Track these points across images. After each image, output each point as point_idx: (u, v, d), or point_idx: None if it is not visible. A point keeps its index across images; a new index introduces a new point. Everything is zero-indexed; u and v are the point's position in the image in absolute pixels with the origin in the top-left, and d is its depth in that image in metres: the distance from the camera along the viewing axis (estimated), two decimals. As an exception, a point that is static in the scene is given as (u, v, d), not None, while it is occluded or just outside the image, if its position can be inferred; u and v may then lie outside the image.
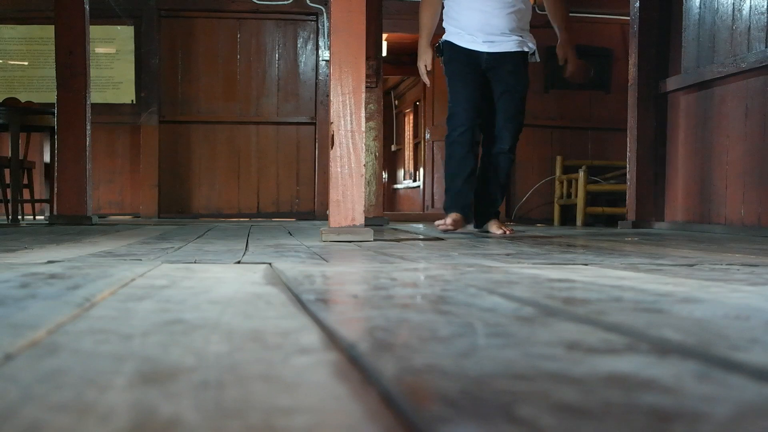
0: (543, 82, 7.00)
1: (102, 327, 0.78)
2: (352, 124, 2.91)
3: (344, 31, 2.93)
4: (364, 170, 2.91)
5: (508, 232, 3.74)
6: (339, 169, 2.89)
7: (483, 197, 3.87)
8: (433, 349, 0.67)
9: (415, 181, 11.68)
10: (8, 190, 5.00)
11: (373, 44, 5.35)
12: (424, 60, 3.83)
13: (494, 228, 3.79)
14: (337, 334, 0.74)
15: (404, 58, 10.34)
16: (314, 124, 7.11)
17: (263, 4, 7.00)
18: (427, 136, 9.22)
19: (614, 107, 6.95)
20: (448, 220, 3.63)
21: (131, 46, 6.94)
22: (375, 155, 5.62)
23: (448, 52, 3.82)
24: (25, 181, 5.35)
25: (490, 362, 0.61)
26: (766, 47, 3.98)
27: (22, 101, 5.22)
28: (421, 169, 10.00)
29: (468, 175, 3.71)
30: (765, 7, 4.01)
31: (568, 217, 6.70)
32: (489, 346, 0.69)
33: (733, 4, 4.31)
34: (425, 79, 3.86)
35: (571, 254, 2.16)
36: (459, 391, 0.51)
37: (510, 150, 3.81)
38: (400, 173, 13.32)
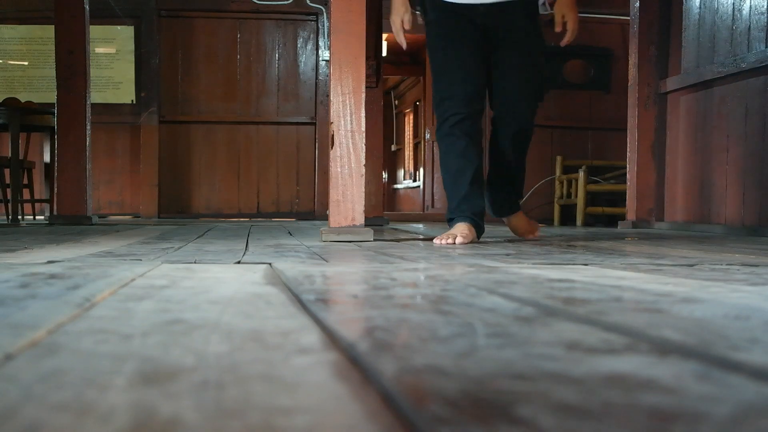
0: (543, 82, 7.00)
1: (102, 327, 0.78)
2: (352, 124, 2.91)
3: (344, 31, 2.93)
4: (364, 170, 2.91)
5: (536, 234, 3.20)
6: (339, 169, 2.89)
7: (501, 186, 3.16)
8: (433, 349, 0.67)
9: (415, 181, 11.69)
10: (8, 190, 5.00)
11: (373, 44, 5.36)
12: (400, 14, 2.93)
13: (520, 223, 3.19)
14: (337, 334, 0.74)
15: (404, 58, 10.34)
16: (314, 124, 7.11)
17: (263, 4, 7.00)
18: (427, 136, 9.22)
19: (614, 107, 6.95)
20: (455, 232, 2.78)
21: (131, 46, 6.94)
22: (375, 155, 5.62)
23: (432, 11, 2.96)
24: (25, 181, 5.35)
25: (490, 362, 0.61)
26: (766, 47, 3.98)
27: (22, 101, 5.22)
28: (421, 169, 10.01)
29: (474, 173, 2.91)
30: (765, 7, 4.01)
31: (568, 217, 6.70)
32: (489, 346, 0.69)
33: (733, 4, 4.31)
34: (400, 39, 2.97)
35: (571, 254, 2.16)
36: (459, 391, 0.51)
37: (527, 127, 3.03)
38: (400, 173, 13.33)
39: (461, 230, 2.79)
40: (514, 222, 3.22)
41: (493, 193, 3.14)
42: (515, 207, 3.19)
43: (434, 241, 2.78)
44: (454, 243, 2.70)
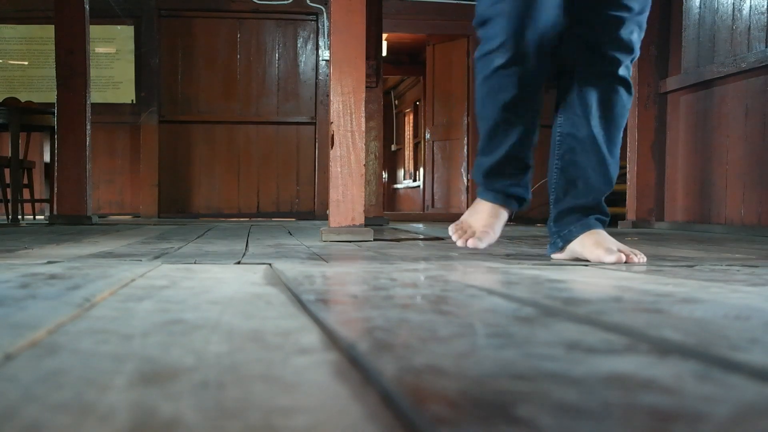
0: (543, 82, 6.99)
1: (102, 327, 0.78)
2: (352, 124, 2.91)
3: (344, 31, 2.93)
4: (364, 170, 2.91)
5: (632, 259, 1.74)
6: (339, 169, 2.89)
7: (569, 181, 1.91)
8: (433, 350, 0.67)
9: (415, 181, 11.69)
10: (8, 190, 5.00)
11: (373, 44, 5.36)
12: None
13: (598, 250, 1.80)
14: (337, 334, 0.74)
15: (404, 58, 10.34)
16: (314, 124, 7.11)
17: (263, 3, 7.00)
18: (427, 136, 9.21)
19: (614, 107, 6.94)
20: (474, 224, 2.01)
21: (131, 46, 6.94)
22: (375, 155, 5.62)
23: None
24: (25, 181, 5.36)
25: (490, 362, 0.61)
26: (766, 47, 3.98)
27: (22, 101, 5.22)
28: (421, 169, 10.00)
29: (523, 134, 1.95)
30: (765, 7, 4.01)
31: (568, 217, 6.69)
32: (489, 347, 0.68)
33: (733, 4, 4.31)
34: None
35: (571, 254, 2.16)
36: (459, 391, 0.51)
37: (625, 73, 1.93)
38: (400, 173, 13.34)
39: (482, 224, 1.99)
40: (586, 248, 1.86)
41: (556, 200, 1.95)
42: (589, 225, 1.89)
43: (449, 230, 2.05)
44: (465, 244, 1.97)
